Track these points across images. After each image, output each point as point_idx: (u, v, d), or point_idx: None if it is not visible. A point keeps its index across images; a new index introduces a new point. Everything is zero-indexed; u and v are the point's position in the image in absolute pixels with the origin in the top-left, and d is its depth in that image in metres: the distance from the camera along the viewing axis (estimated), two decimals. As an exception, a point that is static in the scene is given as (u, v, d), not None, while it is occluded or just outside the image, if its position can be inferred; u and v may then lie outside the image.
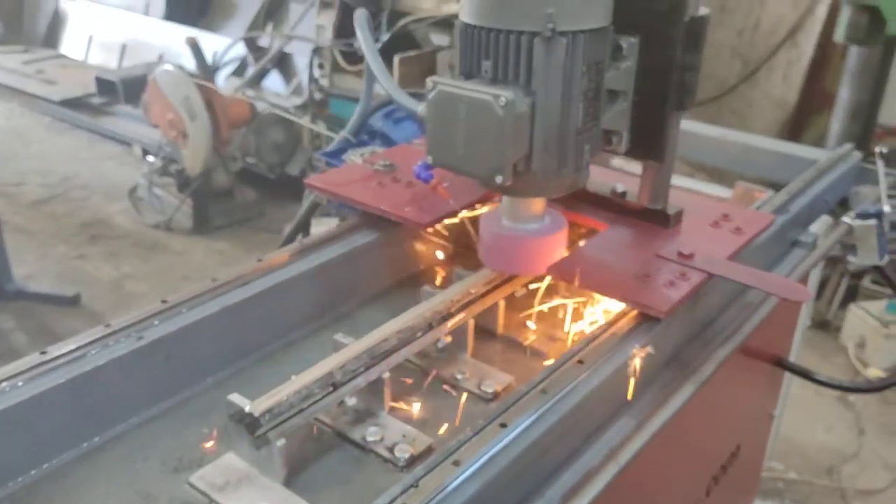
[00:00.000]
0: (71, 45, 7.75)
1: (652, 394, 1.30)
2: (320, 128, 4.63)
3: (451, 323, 1.42)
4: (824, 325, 4.01)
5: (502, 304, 1.55)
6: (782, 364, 1.91)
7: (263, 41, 5.55)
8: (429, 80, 1.31)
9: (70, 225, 5.18)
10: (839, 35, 3.86)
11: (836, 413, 3.45)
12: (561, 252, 1.52)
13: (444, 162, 1.38)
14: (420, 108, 1.39)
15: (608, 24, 1.30)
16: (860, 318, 3.84)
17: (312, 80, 4.92)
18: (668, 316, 1.29)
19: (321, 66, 4.84)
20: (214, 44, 5.63)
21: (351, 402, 1.29)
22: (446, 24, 4.40)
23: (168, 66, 4.71)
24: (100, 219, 5.27)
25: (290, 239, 2.27)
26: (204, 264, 4.79)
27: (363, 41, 1.61)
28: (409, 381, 1.40)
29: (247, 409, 1.14)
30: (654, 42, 1.37)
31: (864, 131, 4.27)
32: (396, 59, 4.17)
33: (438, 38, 4.38)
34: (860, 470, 3.21)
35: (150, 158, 5.29)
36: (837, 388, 1.89)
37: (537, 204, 1.50)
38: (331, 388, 1.24)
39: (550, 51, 1.22)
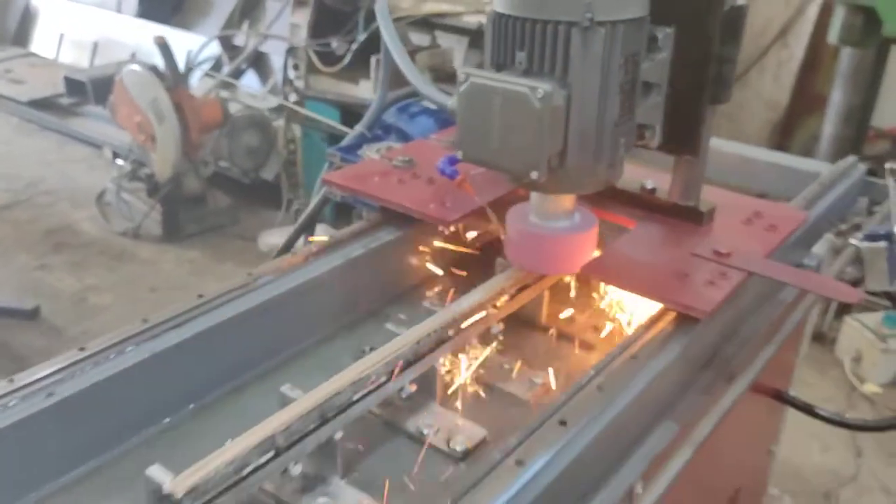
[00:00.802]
0: (41, 43, 7.48)
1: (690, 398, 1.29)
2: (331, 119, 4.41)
3: (414, 370, 1.24)
4: (819, 338, 3.86)
5: (546, 294, 1.52)
6: (784, 398, 1.75)
7: (239, 40, 5.32)
8: (460, 72, 1.27)
9: (33, 232, 4.94)
10: (832, 37, 3.71)
11: (832, 431, 3.30)
12: (592, 250, 1.48)
13: (476, 157, 1.33)
14: (450, 101, 1.35)
15: (645, 14, 1.26)
16: (856, 331, 3.70)
17: (287, 81, 4.72)
18: (709, 317, 1.26)
19: (296, 67, 4.62)
20: (188, 42, 5.39)
21: (296, 469, 1.11)
22: (425, 24, 4.22)
23: (135, 66, 4.49)
24: (65, 226, 5.04)
25: (294, 239, 2.15)
26: (173, 274, 4.58)
27: (385, 31, 1.57)
28: (365, 440, 1.23)
29: (165, 488, 0.96)
30: (691, 33, 1.33)
31: (857, 134, 4.14)
32: (373, 60, 3.99)
33: (418, 38, 4.19)
34: (859, 495, 3.07)
35: (120, 162, 5.07)
36: (841, 425, 1.74)
37: (568, 200, 1.45)
38: (272, 454, 1.07)
39: (588, 42, 1.19)
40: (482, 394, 1.35)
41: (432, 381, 1.30)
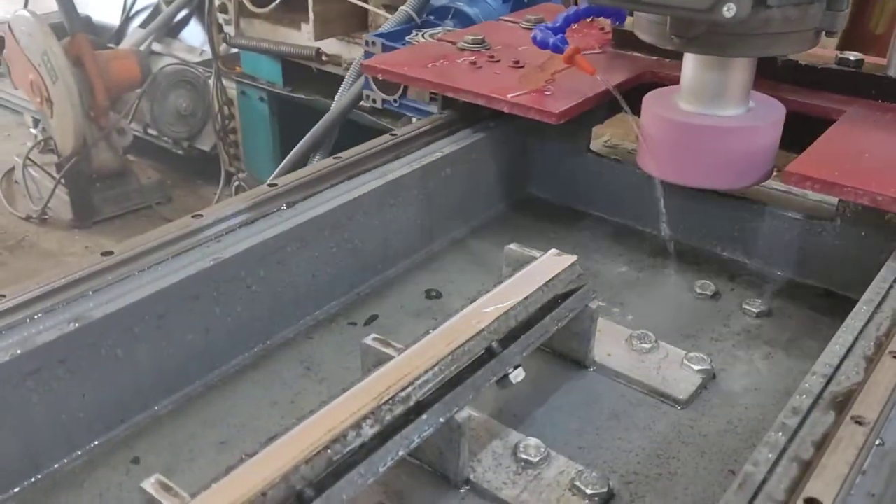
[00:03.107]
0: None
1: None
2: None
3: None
4: None
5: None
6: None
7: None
8: None
9: (-84, 220, 4.18)
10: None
11: None
12: (774, 153, 1.17)
13: None
14: None
15: None
16: None
17: (212, 26, 4.01)
18: None
19: (223, 10, 3.96)
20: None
21: None
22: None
23: (24, 12, 3.78)
24: (-41, 211, 4.29)
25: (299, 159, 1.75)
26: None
27: None
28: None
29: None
30: None
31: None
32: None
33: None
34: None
35: (33, 131, 4.33)
36: None
37: (746, 72, 1.12)
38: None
39: None
40: None
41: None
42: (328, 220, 1.22)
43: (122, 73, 4.03)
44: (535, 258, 1.09)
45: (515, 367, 0.97)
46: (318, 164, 1.31)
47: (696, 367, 1.10)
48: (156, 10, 4.61)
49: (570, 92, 1.29)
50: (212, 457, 0.98)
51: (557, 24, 1.32)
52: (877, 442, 0.77)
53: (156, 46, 4.48)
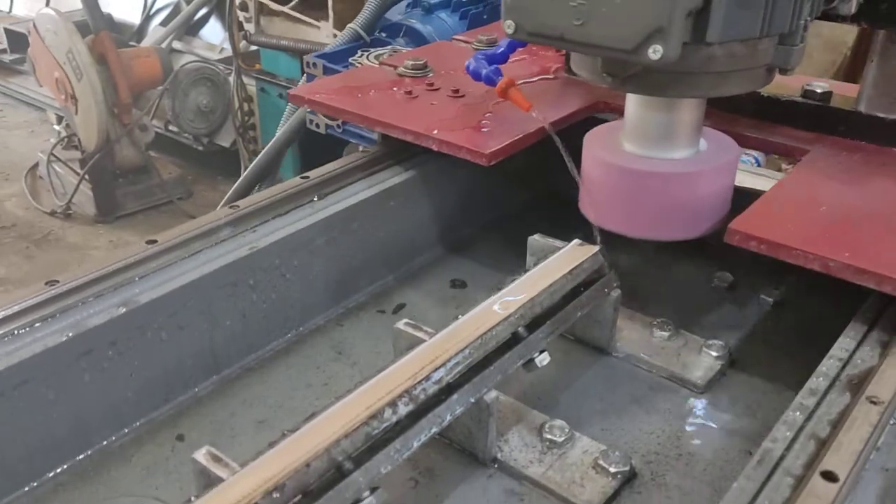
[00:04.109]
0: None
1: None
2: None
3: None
4: None
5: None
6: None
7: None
8: None
9: (-54, 214, 4.28)
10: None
11: None
12: (728, 198, 1.03)
13: (543, 28, 0.87)
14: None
15: None
16: None
17: (234, 24, 4.08)
18: None
19: (243, 8, 4.03)
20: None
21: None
22: None
23: (49, 10, 3.85)
24: (-15, 205, 4.38)
25: (246, 188, 1.70)
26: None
27: None
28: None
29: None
30: None
31: None
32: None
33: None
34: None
35: (57, 128, 4.41)
36: None
37: (694, 111, 0.99)
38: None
39: None
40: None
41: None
42: (358, 212, 1.26)
43: (144, 71, 4.10)
44: (558, 248, 1.13)
45: (541, 352, 1.01)
46: (348, 158, 1.35)
47: (715, 354, 1.14)
48: (176, 9, 4.68)
49: (510, 127, 1.18)
50: (252, 434, 1.03)
51: (500, 51, 1.21)
52: (891, 421, 0.80)
53: (176, 44, 4.55)
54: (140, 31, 4.73)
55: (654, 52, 0.81)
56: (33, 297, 0.97)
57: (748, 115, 1.17)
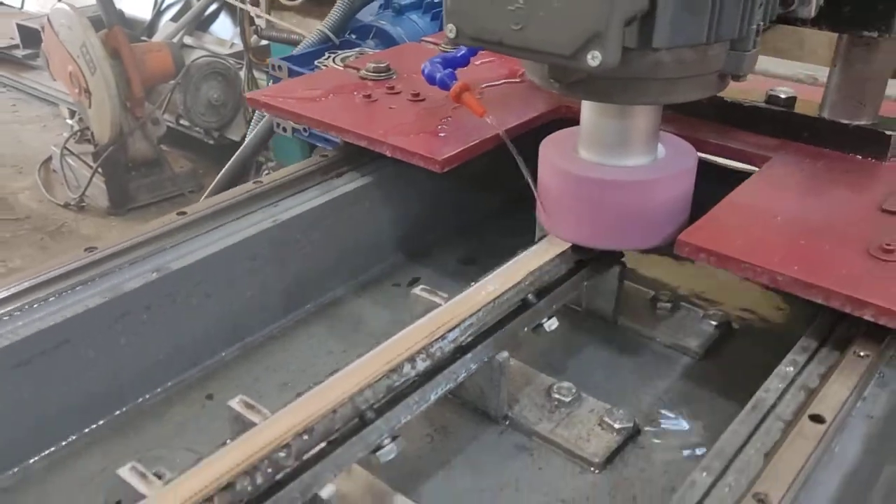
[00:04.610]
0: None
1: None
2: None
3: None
4: None
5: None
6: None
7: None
8: None
9: (-39, 206, 4.34)
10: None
11: None
12: (688, 207, 1.03)
13: (483, 32, 0.84)
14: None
15: None
16: None
17: (244, 19, 4.15)
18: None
19: (255, 3, 4.09)
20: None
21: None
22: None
23: (63, 5, 3.91)
24: (0, 197, 4.44)
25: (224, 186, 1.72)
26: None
27: None
28: None
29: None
30: None
31: None
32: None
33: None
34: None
35: (69, 121, 4.48)
36: None
37: (649, 118, 0.98)
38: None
39: None
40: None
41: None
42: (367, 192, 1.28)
43: (156, 65, 4.16)
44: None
45: (549, 318, 1.07)
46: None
47: (714, 323, 1.20)
48: (186, 5, 4.75)
49: (467, 133, 1.15)
50: (276, 397, 1.08)
51: (460, 54, 1.18)
52: (878, 374, 0.86)
53: (187, 40, 4.61)
54: (150, 27, 4.80)
55: (593, 59, 0.77)
56: (73, 263, 1.04)
57: (711, 120, 1.15)
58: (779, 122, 1.13)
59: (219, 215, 1.18)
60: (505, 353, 1.00)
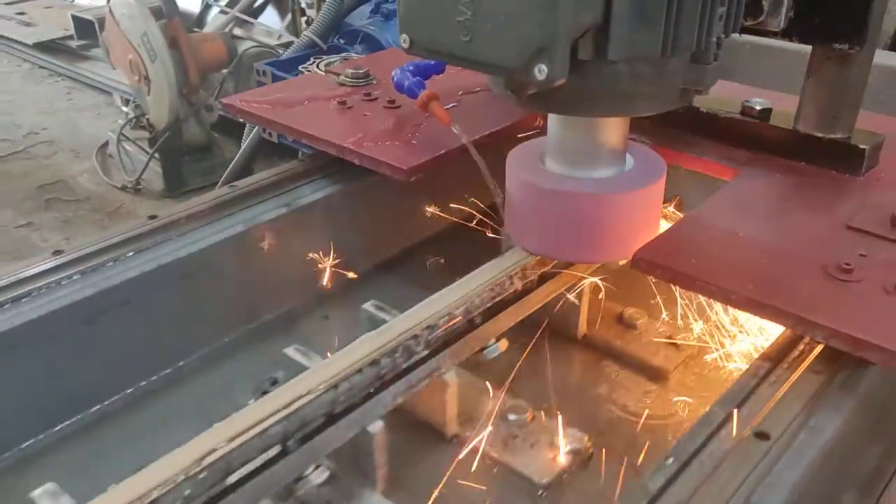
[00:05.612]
0: (59, -16, 6.99)
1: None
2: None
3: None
4: None
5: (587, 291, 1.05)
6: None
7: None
8: None
9: (24, 187, 4.56)
10: None
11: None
12: (657, 221, 1.00)
13: (434, 44, 0.83)
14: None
15: None
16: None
17: (297, 10, 4.20)
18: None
19: (306, -7, 4.13)
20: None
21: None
22: None
23: (124, -5, 4.05)
24: (60, 179, 4.65)
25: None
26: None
27: None
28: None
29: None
30: None
31: None
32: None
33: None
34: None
35: (125, 109, 4.66)
36: None
37: (614, 130, 0.95)
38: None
39: None
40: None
41: (368, 454, 0.91)
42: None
43: (211, 54, 4.29)
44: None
45: (498, 339, 1.01)
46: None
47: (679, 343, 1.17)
48: (234, -1, 4.86)
49: (437, 141, 1.13)
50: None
51: (433, 62, 1.14)
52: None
53: (237, 31, 4.72)
54: (199, 19, 4.93)
55: (540, 72, 0.75)
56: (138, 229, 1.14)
57: (684, 131, 1.11)
58: (752, 136, 1.09)
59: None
60: (452, 373, 0.96)
